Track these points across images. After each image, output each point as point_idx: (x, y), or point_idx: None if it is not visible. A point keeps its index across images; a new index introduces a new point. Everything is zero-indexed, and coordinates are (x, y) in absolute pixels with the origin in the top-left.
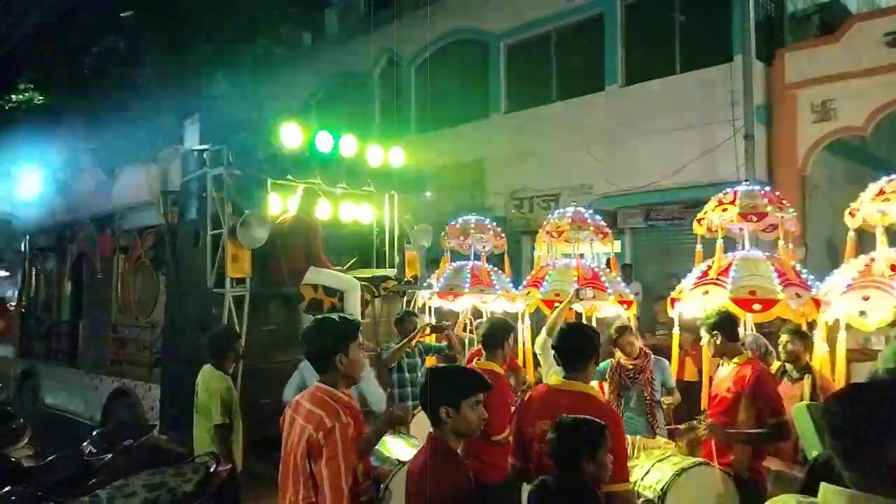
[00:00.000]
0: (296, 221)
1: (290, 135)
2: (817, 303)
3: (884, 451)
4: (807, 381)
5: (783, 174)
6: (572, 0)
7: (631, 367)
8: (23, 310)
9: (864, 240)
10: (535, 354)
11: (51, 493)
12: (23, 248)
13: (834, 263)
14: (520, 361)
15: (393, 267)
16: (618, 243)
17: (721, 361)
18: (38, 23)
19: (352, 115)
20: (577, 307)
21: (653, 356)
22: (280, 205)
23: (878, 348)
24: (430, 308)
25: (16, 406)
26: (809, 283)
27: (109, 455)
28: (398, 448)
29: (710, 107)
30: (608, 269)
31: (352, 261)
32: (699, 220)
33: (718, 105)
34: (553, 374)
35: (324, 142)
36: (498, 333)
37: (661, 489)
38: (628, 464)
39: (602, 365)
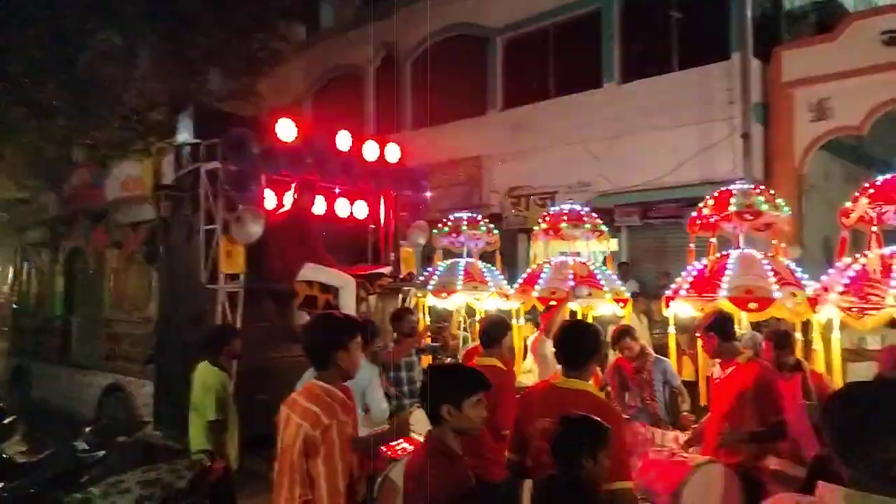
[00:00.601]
0: (291, 217)
1: (286, 129)
2: (812, 302)
3: (881, 449)
4: (797, 379)
5: (780, 172)
6: None
7: (631, 368)
8: (14, 305)
9: (858, 239)
10: (526, 351)
11: (43, 490)
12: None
13: (830, 262)
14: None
15: (388, 264)
16: (614, 241)
17: (717, 361)
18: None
19: (348, 111)
20: (573, 305)
21: (653, 356)
22: (275, 200)
23: (874, 348)
24: (423, 306)
25: (7, 402)
26: (804, 282)
27: (102, 451)
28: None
29: (707, 105)
30: (604, 267)
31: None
32: (694, 220)
33: (715, 103)
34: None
35: (319, 137)
36: (496, 330)
37: (678, 484)
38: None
39: None
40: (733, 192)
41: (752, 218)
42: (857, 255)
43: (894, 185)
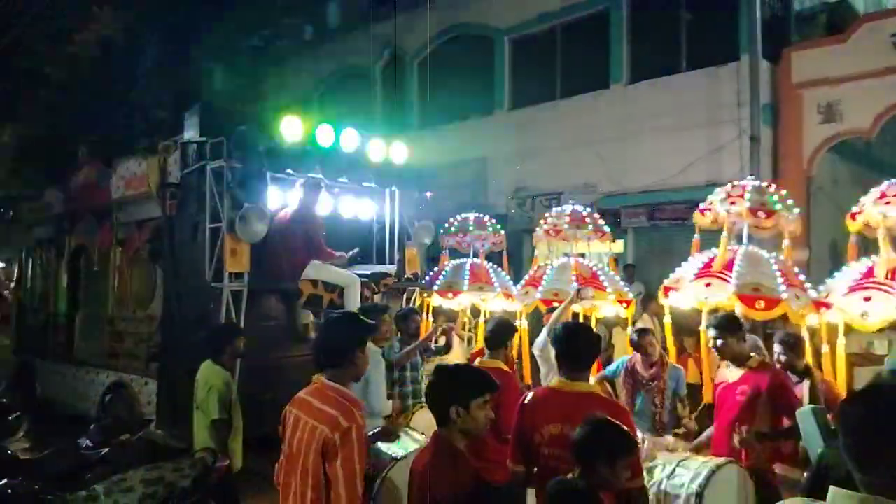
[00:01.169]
0: (296, 216)
1: (291, 128)
2: (818, 305)
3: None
4: (806, 384)
5: (788, 175)
6: None
7: (647, 374)
8: (19, 302)
9: (867, 243)
10: (532, 355)
11: (47, 487)
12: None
13: (837, 265)
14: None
15: (393, 264)
16: (619, 243)
17: (725, 363)
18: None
19: (353, 110)
20: (576, 307)
21: (670, 364)
22: (280, 199)
23: (882, 353)
24: (429, 306)
25: (11, 399)
26: (807, 286)
27: (106, 449)
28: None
29: (716, 106)
30: (607, 268)
31: (353, 250)
32: (703, 211)
33: (724, 105)
34: (554, 377)
35: (325, 135)
36: (502, 333)
37: (699, 487)
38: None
39: (614, 366)
40: (747, 187)
41: (764, 216)
42: (865, 259)
43: None
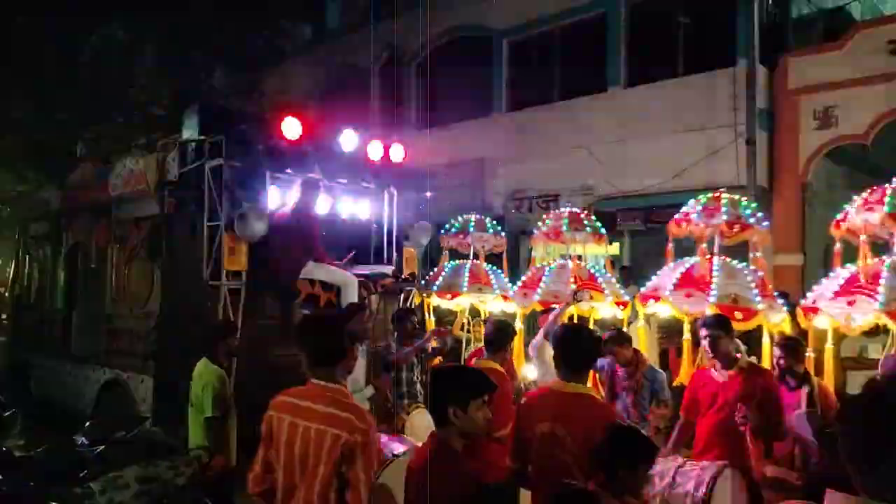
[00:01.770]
0: (294, 215)
1: (290, 127)
2: (806, 310)
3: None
4: (804, 389)
5: (784, 180)
6: None
7: (622, 373)
8: (15, 299)
9: (851, 250)
10: (527, 356)
11: (42, 484)
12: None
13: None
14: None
15: (391, 264)
16: (615, 245)
17: (710, 364)
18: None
19: (352, 110)
20: (571, 309)
21: (648, 364)
22: (278, 198)
23: (876, 357)
24: (429, 306)
25: (7, 396)
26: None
27: (102, 447)
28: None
29: (713, 111)
30: (604, 270)
31: (349, 256)
32: (678, 222)
33: (721, 109)
34: (550, 377)
35: (323, 136)
36: (502, 335)
37: (705, 495)
38: None
39: (601, 362)
40: (722, 200)
41: (739, 228)
42: (850, 265)
43: (880, 198)
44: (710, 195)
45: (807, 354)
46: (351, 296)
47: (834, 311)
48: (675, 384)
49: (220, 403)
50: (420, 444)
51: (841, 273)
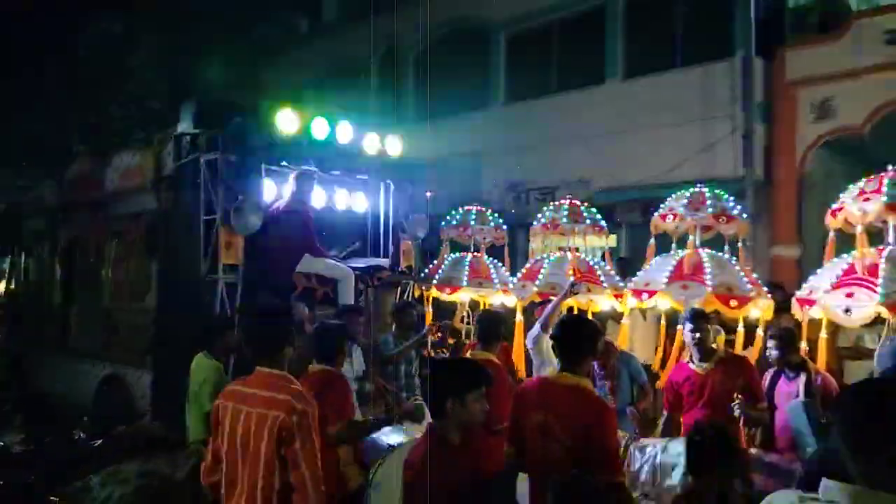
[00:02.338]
0: (289, 208)
1: (286, 120)
2: (801, 302)
3: (893, 446)
4: (801, 377)
5: (781, 172)
6: None
7: (596, 364)
8: (13, 294)
9: (845, 240)
10: (527, 348)
11: (41, 479)
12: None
13: None
14: (515, 354)
15: (387, 257)
16: (614, 237)
17: (687, 356)
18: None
19: (349, 103)
20: (570, 301)
21: (619, 351)
22: (275, 191)
23: (872, 347)
24: (428, 299)
25: (6, 391)
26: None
27: (101, 441)
28: (390, 435)
29: (710, 103)
30: (603, 263)
31: (352, 247)
32: (664, 217)
33: (718, 101)
34: (546, 368)
35: (320, 128)
36: (493, 325)
37: None
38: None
39: None
40: (706, 194)
41: (725, 221)
42: (846, 255)
43: (877, 188)
44: (692, 190)
45: (800, 345)
46: (348, 289)
47: (832, 304)
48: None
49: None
50: (418, 436)
51: (837, 264)
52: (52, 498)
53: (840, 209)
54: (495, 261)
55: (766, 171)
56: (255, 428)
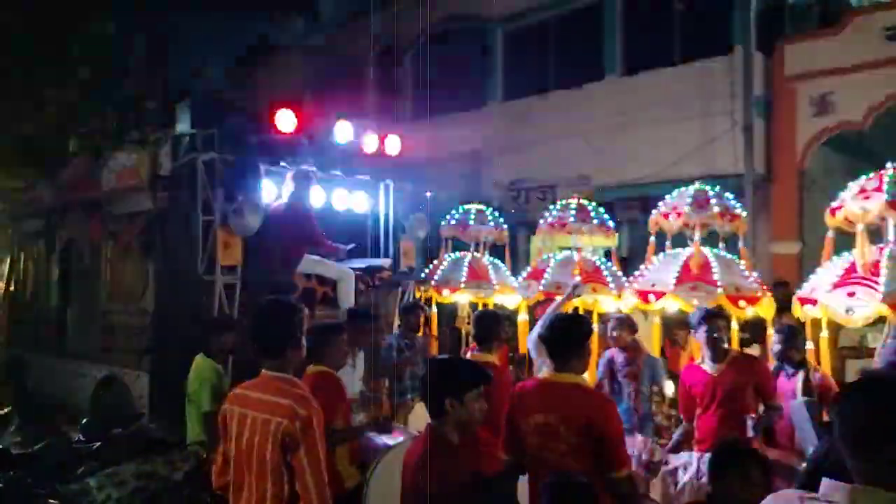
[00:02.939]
0: (288, 208)
1: (284, 120)
2: (803, 301)
3: (894, 444)
4: (800, 375)
5: (781, 167)
6: None
7: (622, 359)
8: (10, 296)
9: (844, 239)
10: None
11: (39, 481)
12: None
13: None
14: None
15: (388, 257)
16: (615, 236)
17: (699, 357)
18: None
19: (347, 102)
20: (576, 301)
21: (646, 353)
22: (273, 191)
23: (874, 346)
24: (429, 299)
25: (3, 393)
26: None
27: (98, 443)
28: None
29: (709, 98)
30: (609, 262)
31: (350, 246)
32: (666, 215)
33: (717, 97)
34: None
35: (318, 128)
36: (488, 325)
37: None
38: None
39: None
40: (709, 193)
41: (730, 220)
42: (846, 254)
43: (877, 186)
44: (694, 188)
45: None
46: (348, 290)
47: (833, 303)
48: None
49: (217, 398)
50: (416, 435)
51: (838, 263)
52: (49, 500)
53: (840, 207)
54: (495, 261)
55: (766, 167)
56: (260, 434)
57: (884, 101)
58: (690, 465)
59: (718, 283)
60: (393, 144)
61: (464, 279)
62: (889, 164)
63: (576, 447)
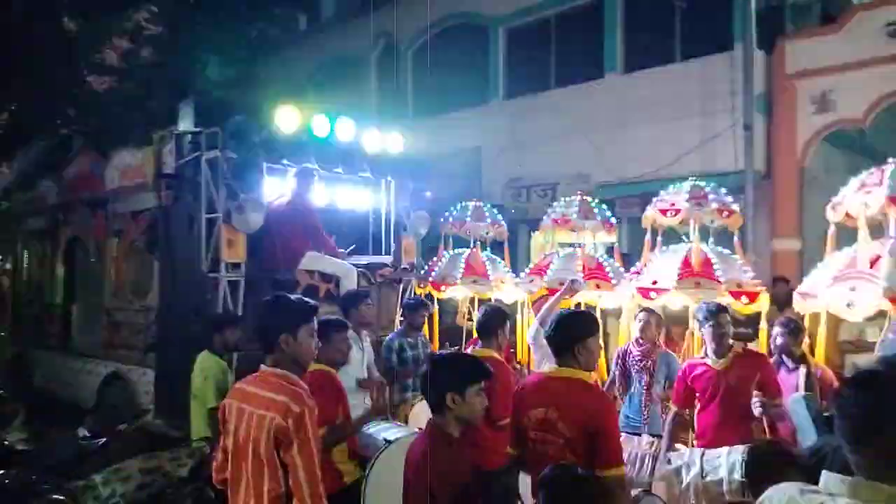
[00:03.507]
0: (290, 205)
1: (286, 117)
2: (803, 295)
3: (894, 437)
4: (802, 370)
5: (782, 165)
6: None
7: (637, 353)
8: (15, 293)
9: (845, 234)
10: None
11: (44, 477)
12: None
13: None
14: (519, 351)
15: (389, 254)
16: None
17: (702, 351)
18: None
19: (349, 100)
20: (579, 297)
21: (662, 348)
22: (276, 189)
23: (874, 340)
24: (430, 296)
25: (8, 390)
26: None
27: (103, 439)
28: (384, 430)
29: (710, 96)
30: (612, 259)
31: (351, 247)
32: (664, 212)
33: (718, 94)
34: (547, 363)
35: (320, 125)
36: (491, 321)
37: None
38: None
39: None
40: (706, 189)
41: (727, 216)
42: (847, 249)
43: (879, 180)
44: (691, 183)
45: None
46: (350, 286)
47: (834, 298)
48: None
49: (221, 394)
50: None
51: (839, 257)
52: (54, 496)
53: (841, 202)
54: (493, 257)
55: (766, 164)
56: (256, 430)
57: (885, 98)
58: (693, 464)
59: (721, 279)
60: (394, 142)
61: (460, 275)
62: (890, 160)
63: (572, 442)
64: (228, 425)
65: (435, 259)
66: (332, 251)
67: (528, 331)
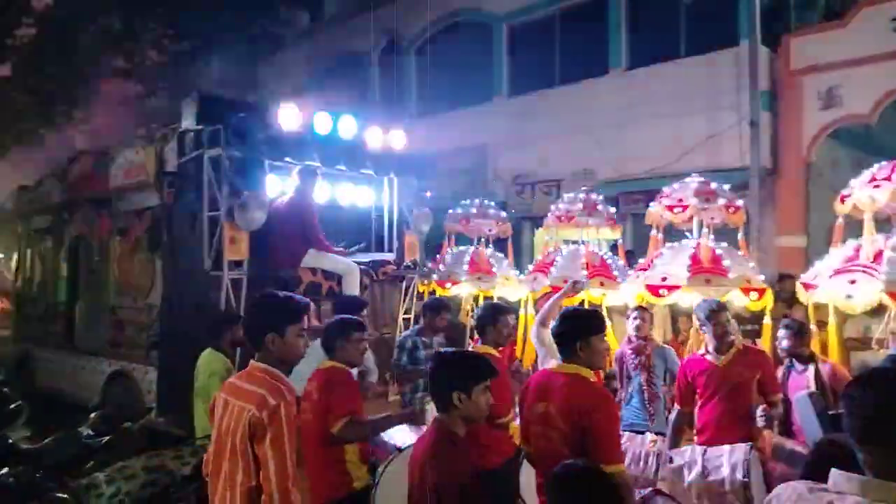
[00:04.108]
0: (292, 203)
1: (289, 115)
2: (806, 286)
3: None
4: (811, 369)
5: (787, 161)
6: None
7: (630, 350)
8: (19, 292)
9: (853, 227)
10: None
11: (48, 476)
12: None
13: None
14: (521, 348)
15: (392, 251)
16: (619, 229)
17: (704, 349)
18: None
19: (351, 97)
20: (583, 295)
21: (656, 343)
22: (278, 187)
23: (880, 336)
24: (432, 293)
25: (12, 388)
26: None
27: (107, 437)
28: (399, 435)
29: (715, 92)
30: (616, 256)
31: (357, 246)
32: (671, 208)
33: (723, 90)
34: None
35: (322, 123)
36: (485, 316)
37: (745, 477)
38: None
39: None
40: (712, 185)
41: (733, 212)
42: (852, 241)
43: (888, 175)
44: (696, 180)
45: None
46: (353, 284)
47: (834, 289)
48: None
49: None
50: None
51: (843, 250)
52: (58, 495)
53: (849, 195)
54: (498, 254)
55: (772, 160)
56: (234, 422)
57: (891, 94)
58: (695, 463)
59: (730, 275)
60: (398, 139)
61: (465, 272)
62: None
63: (569, 437)
64: (215, 418)
65: (438, 257)
66: (324, 249)
67: (531, 329)
